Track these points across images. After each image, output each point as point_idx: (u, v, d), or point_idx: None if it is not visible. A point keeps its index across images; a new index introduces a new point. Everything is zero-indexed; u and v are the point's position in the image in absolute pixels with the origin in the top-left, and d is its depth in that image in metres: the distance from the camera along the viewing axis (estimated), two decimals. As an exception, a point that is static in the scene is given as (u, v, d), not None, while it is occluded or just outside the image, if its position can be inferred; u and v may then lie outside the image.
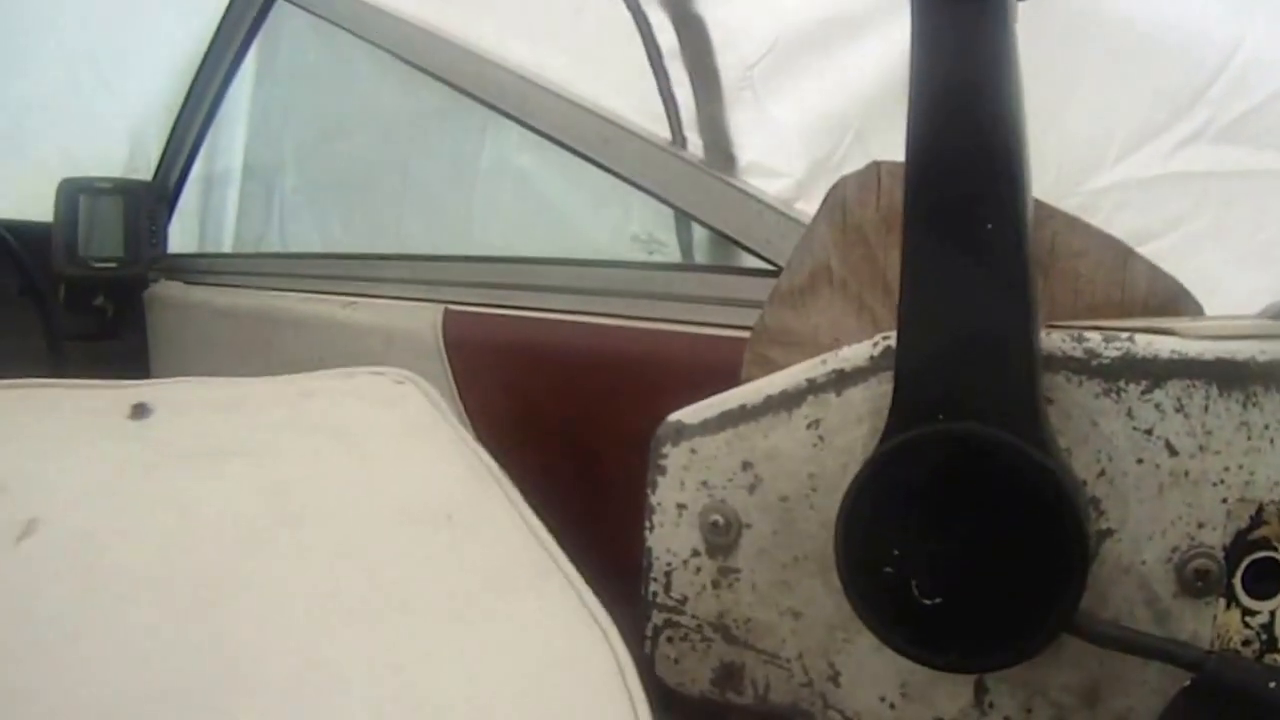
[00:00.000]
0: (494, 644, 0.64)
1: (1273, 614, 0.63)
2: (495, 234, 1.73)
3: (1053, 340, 0.65)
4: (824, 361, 0.70)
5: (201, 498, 0.74)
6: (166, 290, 2.29)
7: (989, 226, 0.62)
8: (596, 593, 0.69)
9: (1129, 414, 0.64)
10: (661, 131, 1.34)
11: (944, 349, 0.63)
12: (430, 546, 0.72)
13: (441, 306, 1.47)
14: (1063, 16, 1.04)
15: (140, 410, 0.82)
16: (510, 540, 0.73)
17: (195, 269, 2.29)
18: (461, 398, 1.37)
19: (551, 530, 0.74)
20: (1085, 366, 0.64)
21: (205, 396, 0.88)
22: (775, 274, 1.20)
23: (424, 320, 1.47)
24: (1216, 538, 0.63)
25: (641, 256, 1.48)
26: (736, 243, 1.24)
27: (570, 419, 1.28)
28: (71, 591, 0.63)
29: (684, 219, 1.40)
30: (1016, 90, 0.63)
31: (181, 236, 2.46)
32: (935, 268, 0.64)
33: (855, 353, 0.69)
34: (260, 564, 0.68)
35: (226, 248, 2.48)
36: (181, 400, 0.86)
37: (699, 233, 1.38)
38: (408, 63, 1.63)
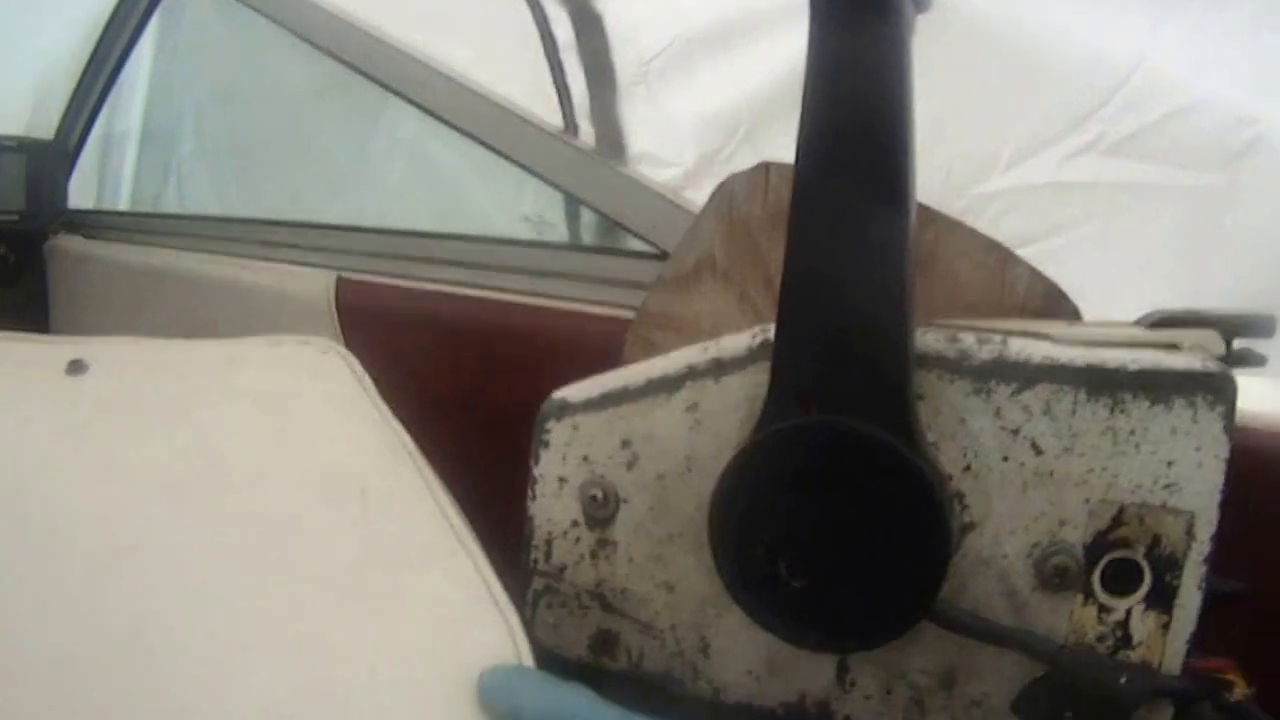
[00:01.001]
0: (393, 619, 0.63)
1: (1128, 612, 0.64)
2: (390, 207, 1.72)
3: (927, 339, 0.65)
4: (705, 349, 0.69)
5: (129, 458, 0.72)
6: (66, 244, 2.24)
7: (871, 229, 0.62)
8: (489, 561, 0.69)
9: (997, 413, 0.64)
10: (555, 120, 1.33)
11: (820, 343, 0.63)
12: (342, 519, 0.71)
13: (335, 274, 1.46)
14: (968, 30, 1.05)
15: (77, 366, 0.80)
16: (420, 517, 0.72)
17: (95, 224, 2.25)
18: (352, 366, 1.35)
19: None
20: (957, 366, 0.64)
21: (140, 356, 0.86)
22: (659, 258, 1.20)
23: (317, 286, 1.46)
24: (1077, 536, 0.64)
25: (531, 235, 1.47)
26: (623, 226, 1.24)
27: (456, 390, 1.27)
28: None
29: (573, 202, 1.40)
30: (907, 99, 0.63)
31: (82, 193, 2.41)
32: (816, 264, 0.64)
33: (735, 343, 0.68)
34: (177, 528, 0.67)
35: (124, 205, 2.47)
36: (117, 359, 0.84)
37: (587, 216, 1.38)
38: (306, 41, 1.61)
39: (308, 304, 1.45)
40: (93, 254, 2.12)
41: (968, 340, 0.65)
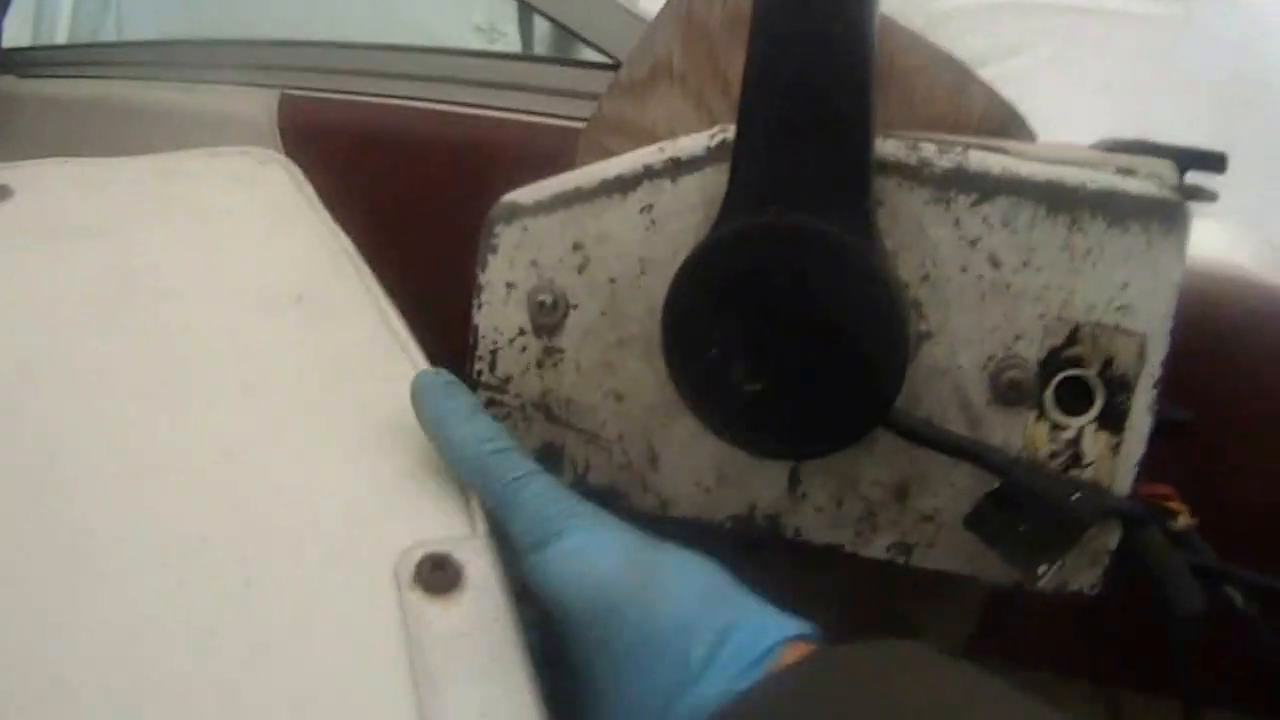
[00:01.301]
0: (335, 430, 0.61)
1: (1080, 430, 0.64)
2: (337, 19, 1.67)
3: (888, 146, 0.63)
4: (661, 149, 0.67)
5: (56, 278, 0.70)
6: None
7: (835, 25, 0.60)
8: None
9: (956, 223, 0.63)
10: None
11: (781, 142, 0.62)
12: (278, 329, 0.68)
13: (278, 91, 1.42)
14: None
15: (2, 193, 0.78)
16: (359, 324, 0.70)
17: (29, 61, 2.13)
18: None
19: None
20: (917, 174, 0.63)
21: (68, 176, 0.83)
22: (613, 68, 1.18)
23: (259, 105, 1.42)
24: (1032, 351, 0.64)
25: (483, 45, 1.44)
26: (576, 34, 1.22)
27: (405, 205, 1.25)
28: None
29: (526, 10, 1.36)
30: None
31: (18, 31, 2.31)
32: (779, 61, 0.62)
33: (693, 142, 0.66)
34: (105, 345, 0.65)
35: (61, 40, 2.37)
36: (43, 181, 0.81)
37: (541, 26, 1.35)
38: None
39: (250, 125, 1.41)
40: (27, 93, 2.03)
41: (928, 149, 0.64)
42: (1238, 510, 0.92)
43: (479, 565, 0.52)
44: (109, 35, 2.25)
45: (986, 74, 0.72)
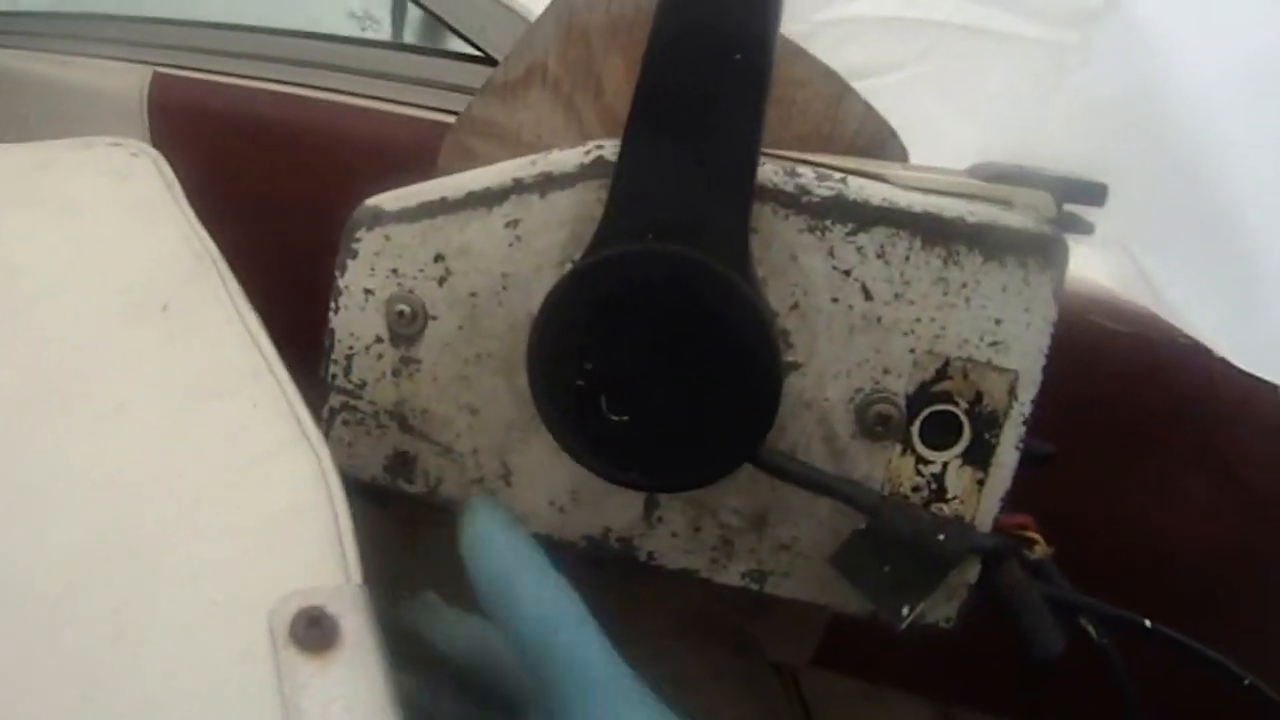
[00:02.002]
0: (201, 453, 0.57)
1: (945, 465, 0.63)
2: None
3: (765, 171, 0.62)
4: (533, 163, 0.65)
5: None
6: None
7: (736, 57, 0.59)
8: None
9: (830, 253, 0.62)
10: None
11: (666, 169, 0.60)
12: (145, 341, 0.64)
13: (150, 69, 1.37)
14: None
15: None
16: (225, 338, 0.65)
17: None
18: (162, 163, 1.28)
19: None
20: (794, 201, 0.62)
21: None
22: (486, 62, 1.16)
23: (131, 82, 1.37)
24: (900, 385, 0.63)
25: (355, 32, 1.41)
26: (449, 26, 1.19)
27: (269, 191, 1.22)
28: None
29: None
30: None
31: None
32: (674, 84, 0.60)
33: (566, 158, 0.64)
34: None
35: None
36: None
37: (414, 15, 1.33)
38: None
39: (120, 101, 1.36)
40: None
41: (807, 175, 0.62)
42: (1100, 537, 0.93)
43: (355, 620, 0.49)
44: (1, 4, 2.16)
45: (863, 87, 0.72)
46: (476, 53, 1.18)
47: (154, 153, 0.82)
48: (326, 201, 0.74)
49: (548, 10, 0.74)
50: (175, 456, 0.57)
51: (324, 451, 0.57)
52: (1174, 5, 1.00)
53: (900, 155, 0.73)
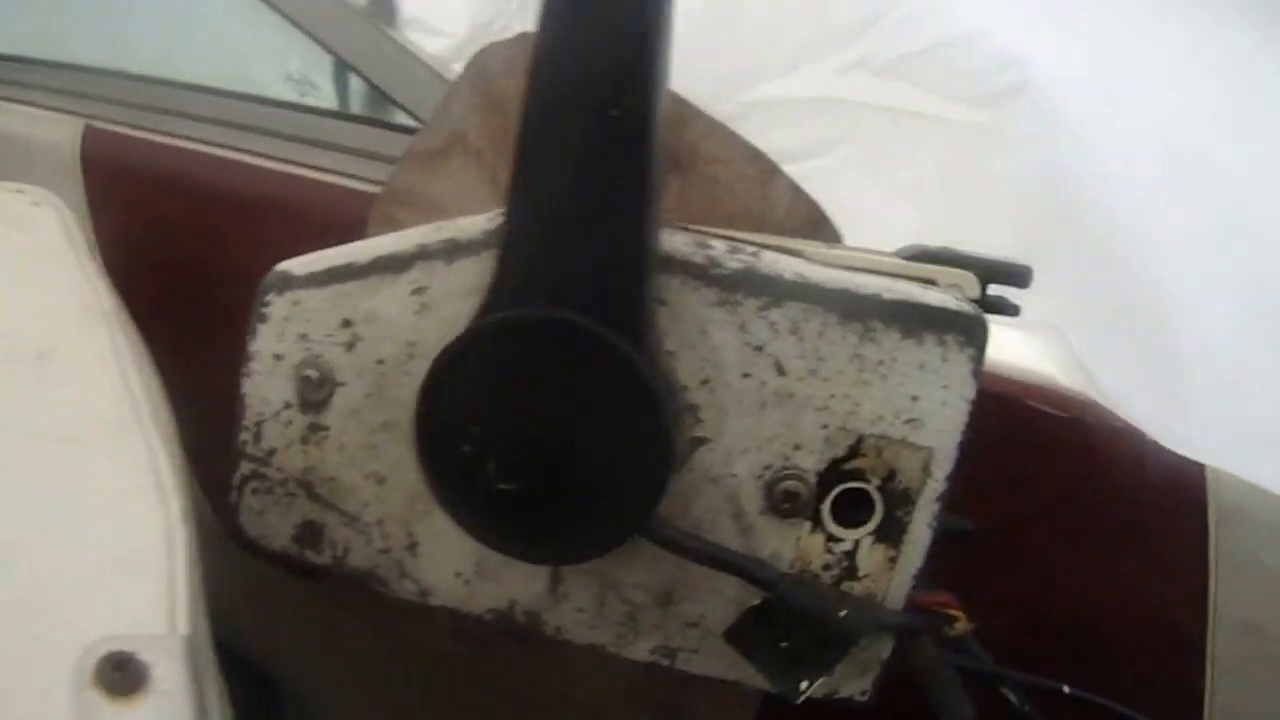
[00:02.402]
0: (45, 500, 0.57)
1: (856, 543, 0.62)
2: (150, 50, 1.62)
3: (675, 242, 0.61)
4: (439, 229, 0.65)
5: None
6: None
7: (613, 113, 0.57)
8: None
9: (742, 328, 0.61)
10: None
11: (552, 232, 0.59)
12: (12, 384, 0.64)
13: (83, 121, 1.35)
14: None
15: None
16: (100, 387, 0.65)
17: None
18: (94, 218, 1.27)
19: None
20: (704, 273, 0.61)
21: None
22: (426, 133, 1.15)
23: (64, 134, 1.35)
24: (811, 462, 0.62)
25: (294, 97, 1.40)
26: (388, 97, 1.19)
27: (199, 254, 1.21)
28: None
29: (341, 66, 1.33)
30: None
31: None
32: (552, 147, 0.59)
33: (471, 224, 0.64)
34: None
35: None
36: None
37: (355, 83, 1.32)
38: None
39: (52, 152, 1.34)
40: None
41: (718, 248, 0.62)
42: (1028, 612, 0.93)
43: (169, 668, 0.48)
44: None
45: (794, 170, 0.71)
46: (416, 124, 1.17)
47: (58, 202, 0.82)
48: (258, 271, 0.72)
49: (463, 76, 0.73)
50: (17, 498, 0.56)
51: (175, 505, 0.56)
52: (1077, 81, 1.01)
53: (833, 236, 0.72)
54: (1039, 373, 1.00)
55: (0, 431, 0.60)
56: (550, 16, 0.59)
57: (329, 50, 1.24)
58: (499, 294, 0.60)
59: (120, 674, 0.46)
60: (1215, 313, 0.94)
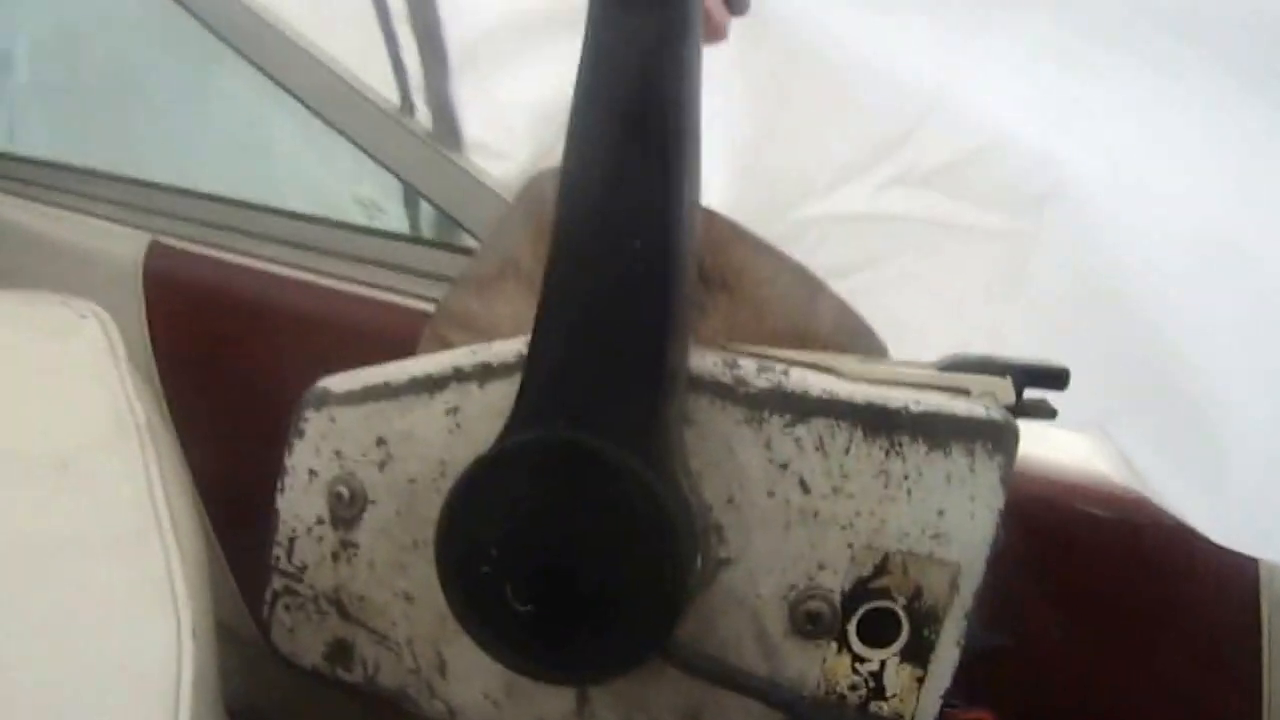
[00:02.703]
0: (58, 610, 0.57)
1: (883, 663, 0.61)
2: (220, 169, 1.64)
3: (705, 363, 0.61)
4: (474, 352, 0.66)
5: None
6: None
7: (636, 243, 0.58)
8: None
9: (767, 445, 0.61)
10: (392, 96, 1.28)
11: (573, 356, 0.60)
12: (33, 496, 0.65)
13: (149, 237, 1.37)
14: (786, 47, 1.02)
15: None
16: (122, 499, 0.66)
17: None
18: (153, 334, 1.29)
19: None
20: (731, 393, 0.61)
21: None
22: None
23: (128, 248, 1.37)
24: (836, 581, 0.61)
25: (362, 220, 1.41)
26: (454, 220, 1.19)
27: (258, 370, 1.21)
28: None
29: (410, 190, 1.34)
30: (691, 105, 0.59)
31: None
32: (575, 273, 0.60)
33: (504, 348, 0.65)
34: None
35: None
36: None
37: (425, 206, 1.33)
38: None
39: (115, 265, 1.36)
40: None
41: (747, 366, 0.62)
42: (1075, 714, 0.91)
43: None
44: (2, 141, 2.14)
45: (843, 286, 0.71)
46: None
47: (104, 315, 0.83)
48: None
49: (516, 202, 0.74)
50: (23, 605, 0.57)
51: (187, 616, 0.57)
52: (1106, 178, 1.00)
53: (879, 349, 0.72)
54: (1090, 473, 0.98)
55: (11, 540, 0.61)
56: (576, 148, 0.60)
57: (395, 174, 1.25)
58: (520, 416, 0.61)
59: None
60: (1259, 401, 0.92)
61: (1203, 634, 0.95)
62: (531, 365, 0.61)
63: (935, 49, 1.04)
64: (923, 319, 1.01)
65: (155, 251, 1.35)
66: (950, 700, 0.62)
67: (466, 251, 1.20)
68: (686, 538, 0.59)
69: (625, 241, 0.58)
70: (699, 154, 0.60)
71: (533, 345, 0.61)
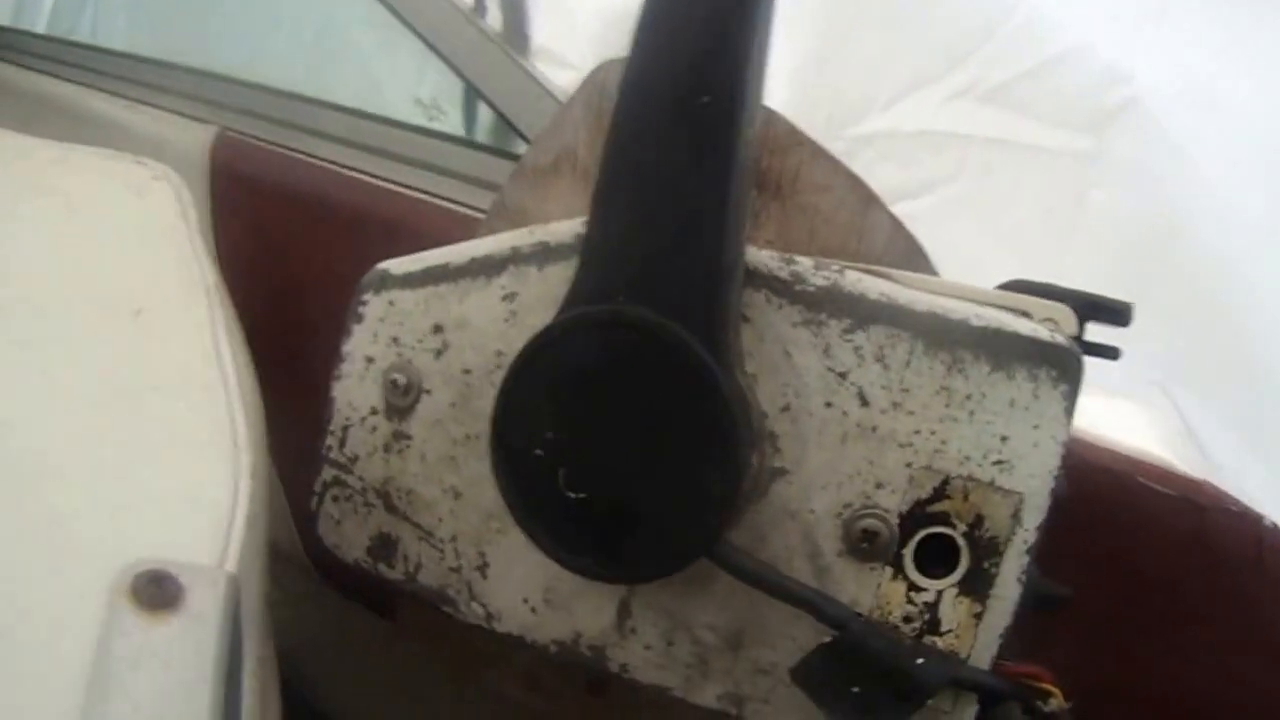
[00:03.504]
0: (119, 440, 0.57)
1: (939, 594, 0.58)
2: (289, 65, 1.64)
3: (760, 256, 0.59)
4: (531, 233, 0.64)
5: None
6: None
7: (702, 100, 0.55)
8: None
9: (826, 351, 0.58)
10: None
11: (635, 227, 0.57)
12: (104, 335, 0.65)
13: (216, 128, 1.37)
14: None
15: None
16: (189, 346, 0.66)
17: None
18: (215, 223, 1.28)
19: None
20: (788, 289, 0.58)
21: None
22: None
23: (197, 138, 1.37)
24: (894, 502, 0.58)
25: (422, 121, 1.40)
26: (513, 126, 1.17)
27: (313, 268, 1.20)
28: None
29: (471, 94, 1.32)
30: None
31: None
32: (640, 140, 0.57)
33: (563, 228, 0.62)
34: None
35: (40, 29, 2.32)
36: None
37: (483, 113, 1.31)
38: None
39: (183, 155, 1.35)
40: None
41: (804, 264, 0.59)
42: (1130, 702, 0.88)
43: (205, 595, 0.48)
44: (83, 35, 2.20)
45: (899, 209, 0.69)
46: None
47: (178, 180, 0.84)
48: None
49: (578, 92, 0.72)
50: (94, 427, 0.57)
51: (245, 458, 0.57)
52: (1186, 101, 0.96)
53: (930, 272, 0.70)
54: (1154, 454, 0.95)
55: (86, 374, 0.61)
56: (648, 13, 0.58)
57: (459, 73, 1.23)
58: (580, 290, 0.59)
59: (155, 589, 0.47)
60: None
61: (1268, 624, 0.93)
62: (592, 237, 0.59)
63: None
64: (977, 248, 0.97)
65: (222, 142, 1.35)
66: (1002, 654, 0.59)
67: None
68: (745, 433, 0.56)
69: (692, 101, 0.56)
70: (769, 23, 0.57)
71: (592, 218, 0.59)
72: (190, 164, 1.33)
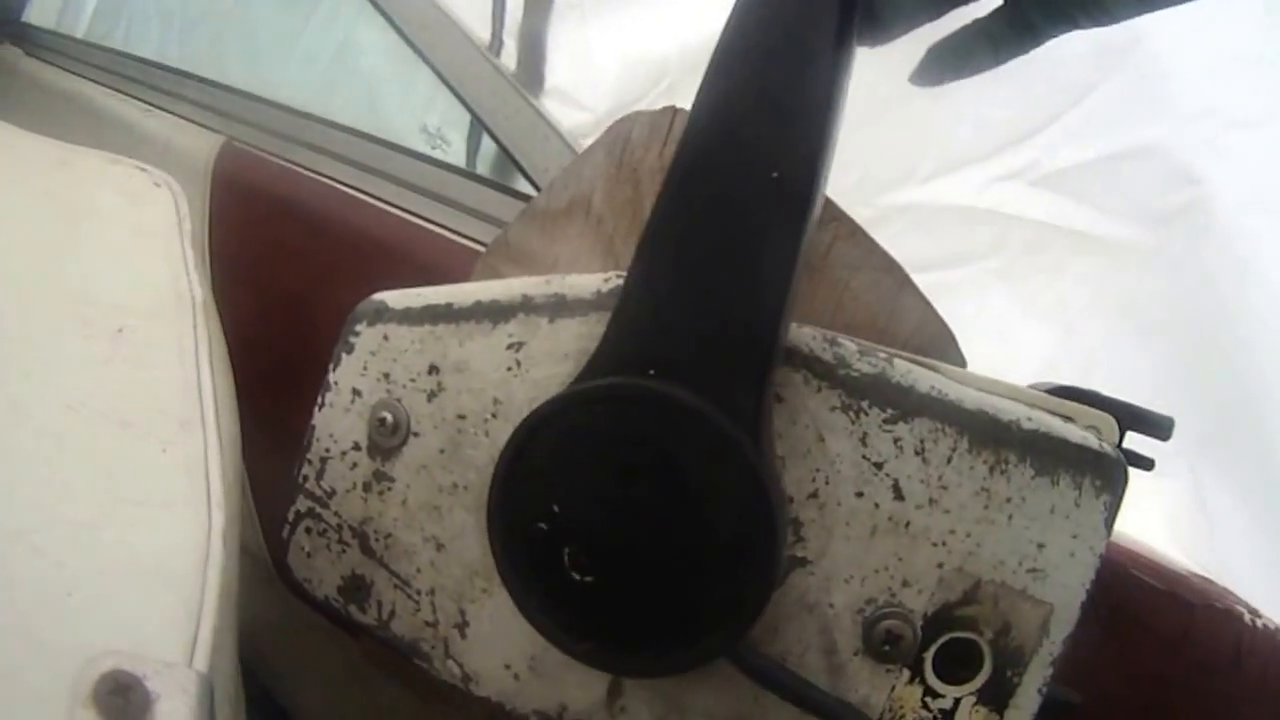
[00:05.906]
0: (88, 476, 0.49)
1: (957, 701, 0.52)
2: (302, 82, 1.61)
3: (802, 334, 0.52)
4: (548, 282, 0.56)
5: None
6: (2, 52, 2.14)
7: (775, 175, 0.49)
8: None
9: (863, 440, 0.51)
10: (483, 32, 1.20)
11: (676, 299, 0.50)
12: (84, 356, 0.58)
13: (222, 138, 1.33)
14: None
15: None
16: (168, 379, 0.58)
17: (36, 42, 2.13)
18: (212, 233, 1.23)
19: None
20: (830, 373, 0.52)
21: None
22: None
23: (202, 144, 1.32)
24: (920, 603, 0.52)
25: (425, 149, 1.35)
26: (516, 163, 1.12)
27: (306, 285, 1.14)
28: None
29: (477, 126, 1.26)
30: (832, 72, 0.51)
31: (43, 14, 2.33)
32: (700, 201, 0.50)
33: (583, 282, 0.55)
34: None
35: (80, 34, 2.36)
36: None
37: (487, 146, 1.26)
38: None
39: (188, 161, 1.31)
40: (21, 69, 2.04)
41: (848, 347, 0.52)
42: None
43: (176, 705, 0.40)
44: (117, 42, 2.23)
45: (927, 280, 0.62)
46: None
47: (178, 188, 0.78)
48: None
49: (599, 140, 0.65)
50: (50, 474, 0.49)
51: (219, 518, 0.49)
52: (1256, 206, 0.91)
53: (959, 362, 0.63)
54: (1145, 545, 0.90)
55: (53, 407, 0.53)
56: (721, 71, 0.51)
57: (469, 108, 1.18)
58: (604, 357, 0.52)
59: (120, 700, 0.39)
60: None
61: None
62: (626, 300, 0.52)
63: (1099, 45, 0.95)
64: (1010, 325, 0.91)
65: (227, 152, 1.31)
66: None
67: (523, 197, 1.13)
68: (785, 532, 0.50)
69: (763, 169, 0.49)
70: (844, 95, 0.51)
71: (630, 278, 0.52)
72: (193, 170, 1.30)
